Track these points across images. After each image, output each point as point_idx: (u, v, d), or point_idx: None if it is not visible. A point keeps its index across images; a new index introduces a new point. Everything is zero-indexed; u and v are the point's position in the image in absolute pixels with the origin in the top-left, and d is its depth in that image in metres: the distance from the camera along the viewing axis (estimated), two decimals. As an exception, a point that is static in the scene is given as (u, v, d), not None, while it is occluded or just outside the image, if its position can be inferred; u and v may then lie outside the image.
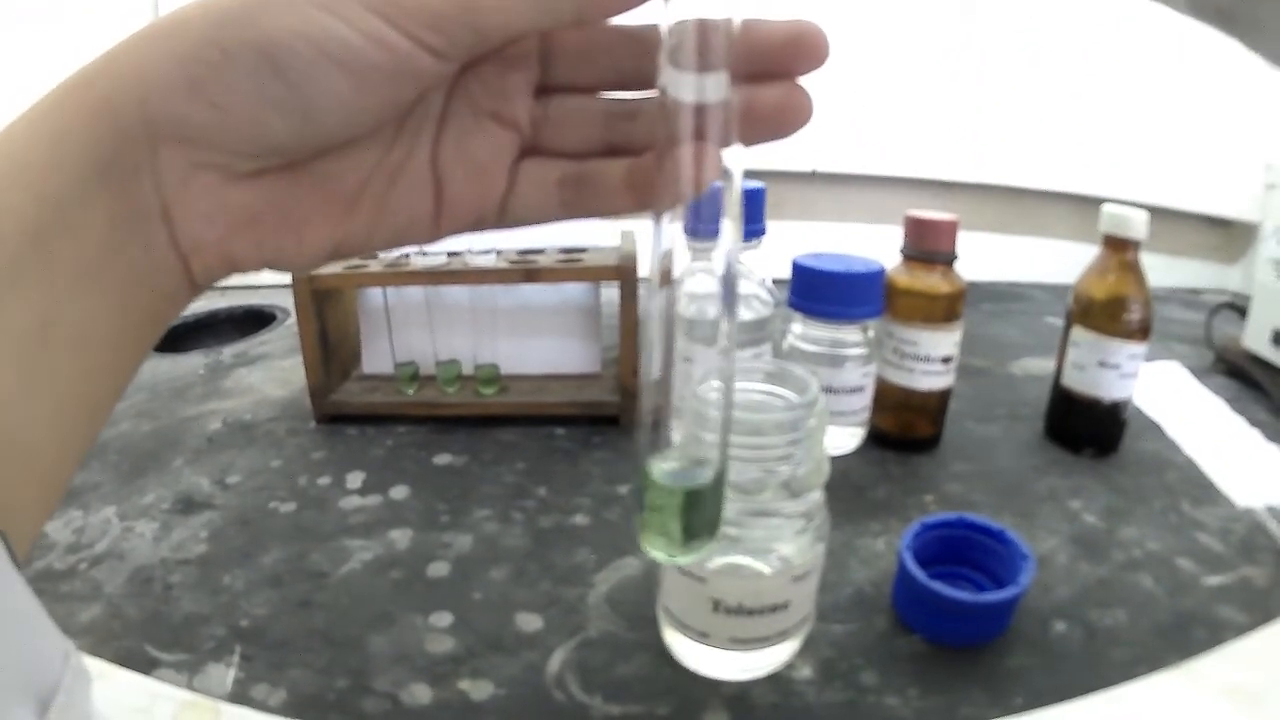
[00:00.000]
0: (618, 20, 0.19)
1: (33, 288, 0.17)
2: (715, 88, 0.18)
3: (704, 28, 0.17)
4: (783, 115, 0.19)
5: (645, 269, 0.51)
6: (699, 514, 0.22)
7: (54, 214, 0.18)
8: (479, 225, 0.22)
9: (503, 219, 0.22)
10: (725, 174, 0.19)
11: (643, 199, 0.21)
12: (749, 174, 0.20)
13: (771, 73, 0.19)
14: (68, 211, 0.18)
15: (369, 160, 0.21)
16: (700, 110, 0.18)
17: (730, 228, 0.19)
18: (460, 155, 0.21)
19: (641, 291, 0.50)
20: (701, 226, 0.19)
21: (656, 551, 0.22)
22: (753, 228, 0.48)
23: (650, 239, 0.19)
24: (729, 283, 0.20)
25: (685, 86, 0.18)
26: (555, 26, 0.19)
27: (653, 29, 0.19)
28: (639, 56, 0.20)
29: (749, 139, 0.19)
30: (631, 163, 0.21)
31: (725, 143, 0.18)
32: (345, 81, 0.18)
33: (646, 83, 0.20)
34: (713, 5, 0.17)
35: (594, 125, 0.22)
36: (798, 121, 0.20)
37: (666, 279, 0.20)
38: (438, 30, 0.18)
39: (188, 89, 0.18)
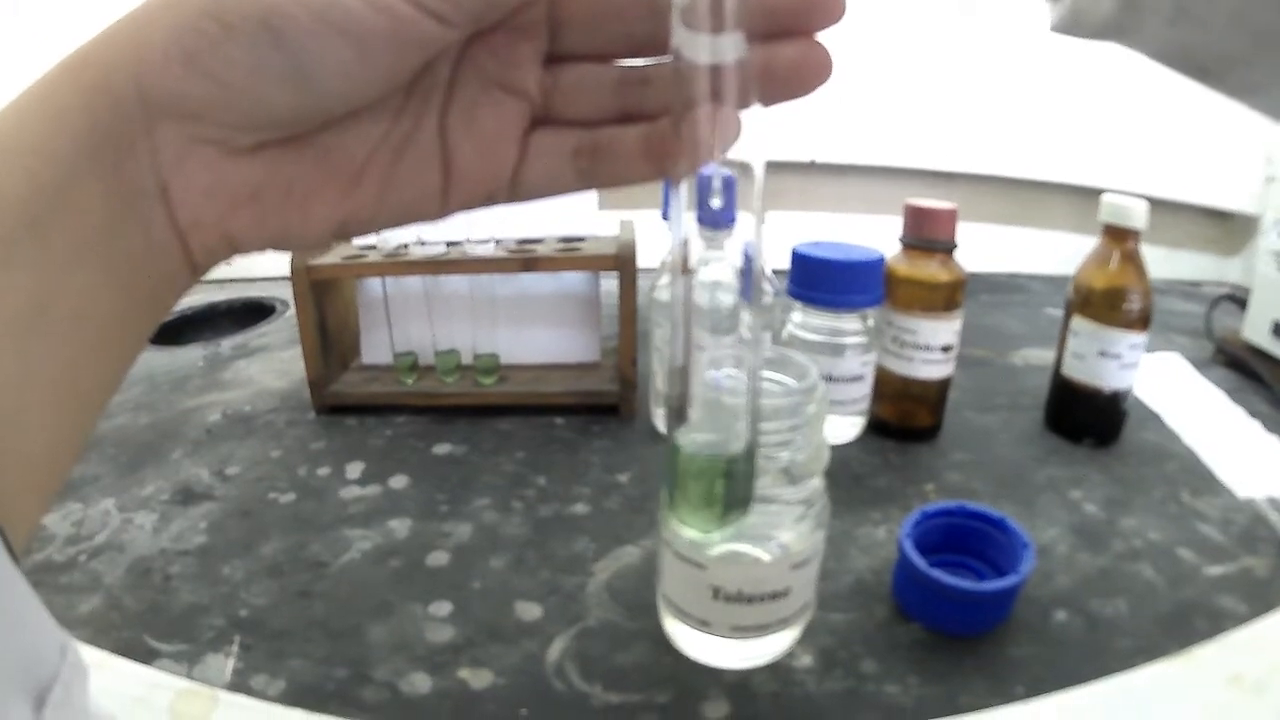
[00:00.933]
0: None
1: (28, 270, 0.17)
2: (730, 47, 0.17)
3: None
4: (802, 73, 0.19)
5: (647, 259, 0.51)
6: (736, 484, 0.22)
7: (50, 195, 0.17)
8: (490, 200, 0.22)
9: (515, 192, 0.22)
10: (744, 167, 0.19)
11: (660, 165, 0.21)
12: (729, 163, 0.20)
13: (788, 30, 0.19)
14: (64, 192, 0.17)
15: (374, 133, 0.20)
16: (716, 71, 0.17)
17: (750, 219, 0.19)
18: (469, 127, 0.21)
19: (663, 280, 0.50)
20: (712, 215, 0.19)
21: (692, 526, 0.22)
22: (728, 215, 0.48)
23: (669, 227, 0.19)
24: (750, 272, 0.20)
25: (700, 47, 0.17)
26: None
27: None
28: (649, 21, 0.20)
29: (769, 98, 0.19)
30: (647, 129, 0.21)
31: (744, 103, 0.18)
32: (346, 49, 0.17)
33: (658, 48, 0.19)
34: None
35: (606, 93, 0.21)
36: (818, 79, 0.19)
37: (685, 268, 0.20)
38: None
39: (184, 62, 0.17)
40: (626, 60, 0.21)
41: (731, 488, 0.22)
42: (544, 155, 0.21)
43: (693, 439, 0.21)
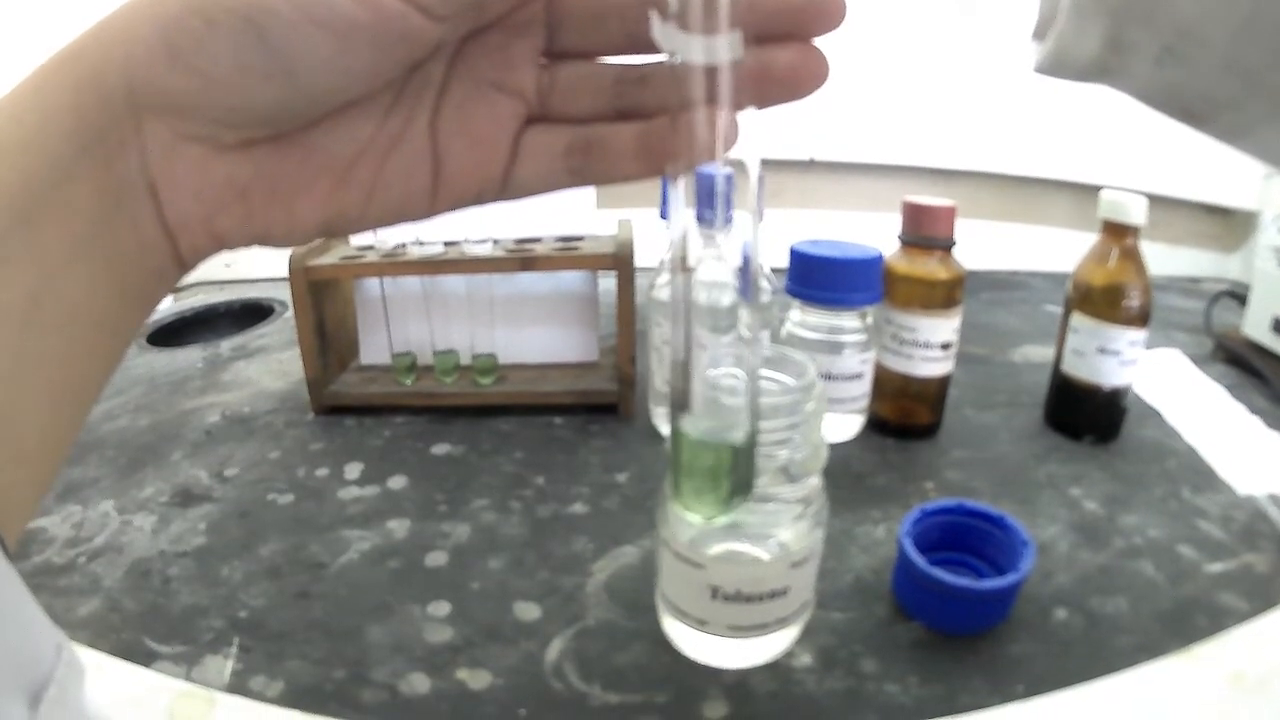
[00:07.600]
0: None
1: (21, 266, 0.17)
2: (725, 48, 0.17)
3: None
4: (798, 77, 0.19)
5: (645, 258, 0.51)
6: (739, 470, 0.22)
7: (41, 191, 0.17)
8: (480, 199, 0.22)
9: (505, 191, 0.22)
10: (740, 165, 0.19)
11: (654, 164, 0.21)
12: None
13: (786, 34, 0.19)
14: (55, 189, 0.18)
15: (363, 131, 0.20)
16: (712, 72, 0.17)
17: (746, 217, 0.19)
18: (461, 127, 0.21)
19: (662, 278, 0.50)
20: (710, 214, 0.19)
21: (697, 512, 0.23)
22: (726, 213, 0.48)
23: (667, 226, 0.19)
24: (747, 271, 0.20)
25: (694, 48, 0.17)
26: None
27: None
28: (649, 20, 0.20)
29: (764, 101, 0.19)
30: (643, 127, 0.21)
31: (740, 105, 0.18)
32: (330, 44, 0.17)
33: (657, 46, 0.20)
34: None
35: (603, 91, 0.21)
36: (813, 83, 0.19)
37: (683, 265, 0.20)
38: None
39: (170, 58, 0.17)
40: (625, 58, 0.21)
41: (735, 472, 0.22)
42: (536, 154, 0.21)
43: (697, 425, 0.22)
